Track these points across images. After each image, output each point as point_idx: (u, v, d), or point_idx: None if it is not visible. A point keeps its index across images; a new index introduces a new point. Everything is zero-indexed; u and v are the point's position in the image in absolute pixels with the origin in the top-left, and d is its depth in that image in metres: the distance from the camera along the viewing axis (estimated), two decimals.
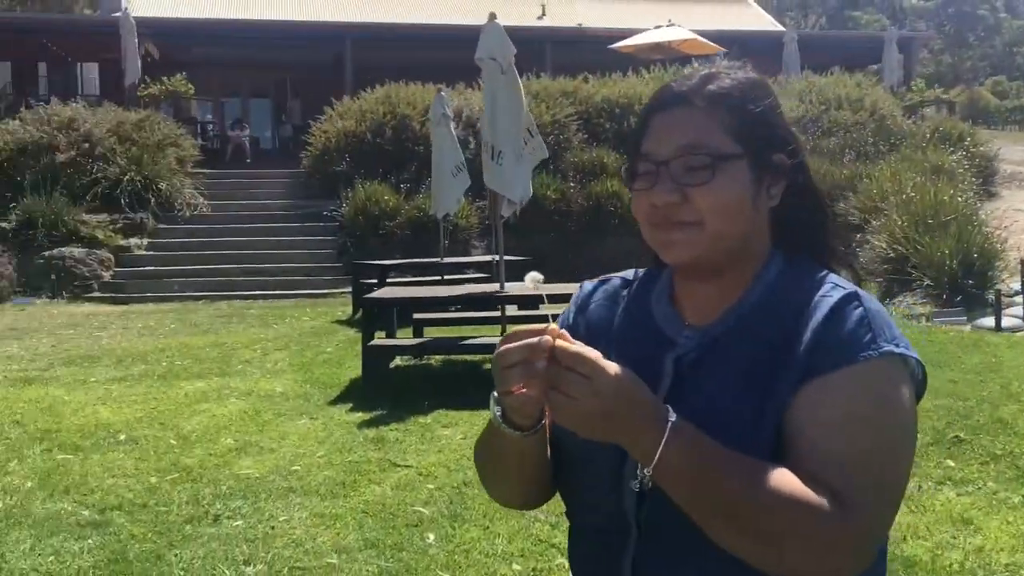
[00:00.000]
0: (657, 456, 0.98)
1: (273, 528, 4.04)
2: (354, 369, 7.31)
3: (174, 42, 21.02)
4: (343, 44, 21.25)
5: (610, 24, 23.27)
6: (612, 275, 1.35)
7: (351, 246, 14.20)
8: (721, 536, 1.00)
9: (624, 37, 20.06)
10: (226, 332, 10.07)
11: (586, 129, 16.50)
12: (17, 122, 15.71)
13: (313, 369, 7.68)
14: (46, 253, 13.72)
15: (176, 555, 3.73)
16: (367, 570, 3.59)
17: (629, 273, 1.32)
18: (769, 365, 1.09)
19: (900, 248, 9.57)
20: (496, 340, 6.79)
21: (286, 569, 3.62)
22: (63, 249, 13.82)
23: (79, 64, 26.21)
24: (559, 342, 0.98)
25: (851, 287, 1.14)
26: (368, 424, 5.77)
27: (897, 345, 1.08)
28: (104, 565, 3.63)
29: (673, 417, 1.00)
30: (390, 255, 13.12)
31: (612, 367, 0.98)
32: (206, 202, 15.80)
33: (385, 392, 6.52)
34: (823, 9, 54.65)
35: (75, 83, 27.35)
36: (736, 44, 21.29)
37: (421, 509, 4.22)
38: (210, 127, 21.65)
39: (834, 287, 1.13)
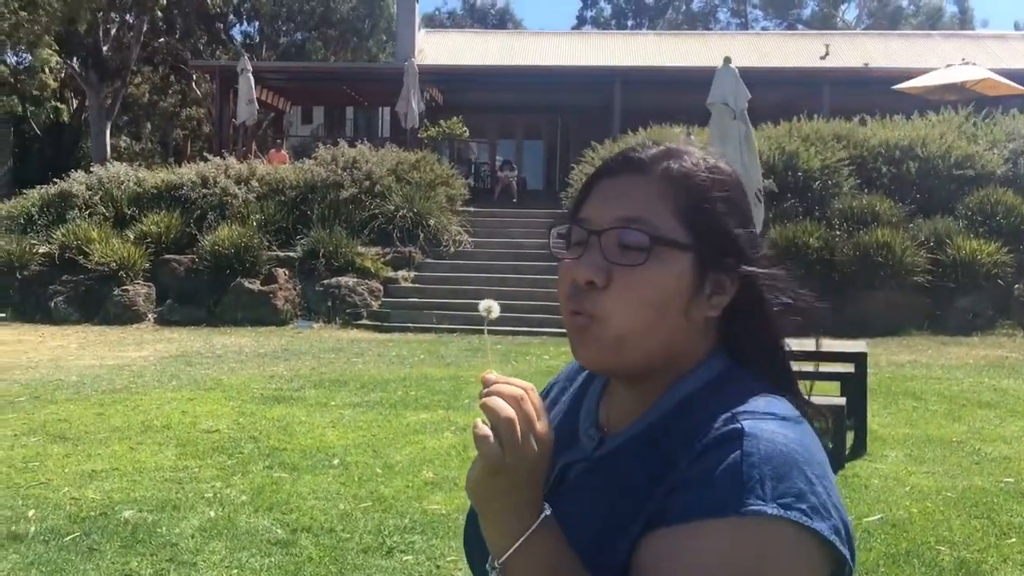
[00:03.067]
0: (513, 548, 0.88)
1: (438, 567, 4.09)
2: None
3: (455, 87, 22.36)
4: (612, 87, 21.58)
5: (898, 63, 21.91)
6: None
7: None
8: None
9: (913, 77, 18.79)
10: (467, 366, 10.44)
11: (859, 174, 15.58)
12: (312, 161, 17.36)
13: None
14: (324, 282, 14.97)
15: None
16: None
17: None
18: (637, 496, 0.92)
19: None
20: None
21: None
22: (339, 278, 15.01)
23: (379, 108, 28.61)
24: (485, 399, 0.92)
25: (756, 421, 0.90)
26: None
27: (787, 507, 0.84)
28: None
29: (548, 511, 0.89)
30: None
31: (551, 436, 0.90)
32: (469, 239, 16.55)
33: None
34: None
35: (376, 126, 29.92)
36: None
37: None
38: (483, 167, 22.75)
39: (736, 416, 0.90)
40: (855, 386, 6.54)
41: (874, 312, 13.33)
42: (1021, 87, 17.96)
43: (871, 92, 19.91)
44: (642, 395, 1.00)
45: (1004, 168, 15.42)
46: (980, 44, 27.73)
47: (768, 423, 0.90)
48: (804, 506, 0.85)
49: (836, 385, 7.18)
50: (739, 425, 0.89)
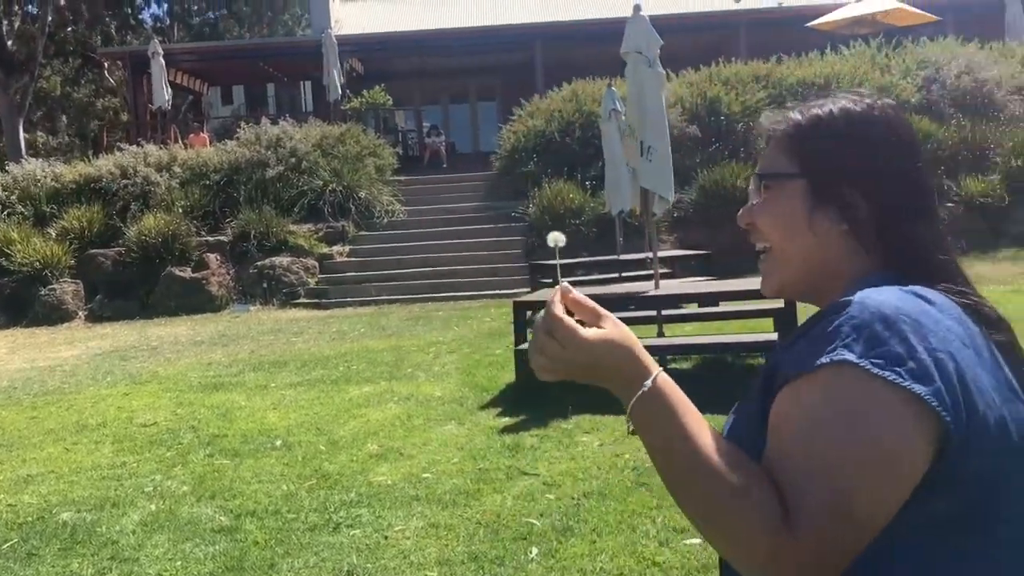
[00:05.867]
0: (628, 412, 1.03)
1: (387, 538, 4.10)
2: (513, 373, 7.33)
3: (376, 56, 22.04)
4: (533, 45, 21.46)
5: (810, 1, 22.11)
6: None
7: (537, 245, 14.32)
8: (681, 507, 1.03)
9: (824, 13, 18.97)
10: (409, 335, 10.42)
11: None
12: (234, 142, 17.01)
13: (476, 372, 7.78)
14: (258, 263, 14.76)
15: (288, 564, 3.86)
16: None
17: None
18: (761, 395, 1.07)
19: None
20: (653, 340, 6.54)
21: None
22: (273, 259, 14.81)
23: (300, 83, 28.06)
24: (554, 300, 1.04)
25: (871, 291, 1.02)
26: (509, 430, 5.76)
27: (881, 367, 0.94)
28: (220, 573, 3.82)
29: (647, 385, 1.02)
30: (576, 253, 13.14)
31: (588, 332, 1.02)
32: (403, 208, 16.43)
33: (534, 397, 6.48)
34: None
35: (299, 101, 29.37)
36: (950, 11, 19.65)
37: (533, 521, 4.15)
38: (410, 135, 22.53)
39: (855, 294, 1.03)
40: (786, 320, 6.66)
41: None
42: (930, 15, 18.28)
43: (786, 31, 20.08)
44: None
45: (918, 96, 15.75)
46: None
47: (883, 294, 1.01)
48: (900, 368, 0.94)
49: (769, 321, 7.32)
50: (850, 297, 1.01)
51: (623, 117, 10.41)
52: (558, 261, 1.25)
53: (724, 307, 8.40)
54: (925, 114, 15.21)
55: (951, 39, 17.61)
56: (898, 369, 0.94)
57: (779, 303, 6.97)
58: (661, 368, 1.03)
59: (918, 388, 0.93)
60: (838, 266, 1.11)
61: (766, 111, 1.23)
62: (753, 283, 7.88)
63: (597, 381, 1.04)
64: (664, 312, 7.42)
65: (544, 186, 15.05)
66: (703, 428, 1.01)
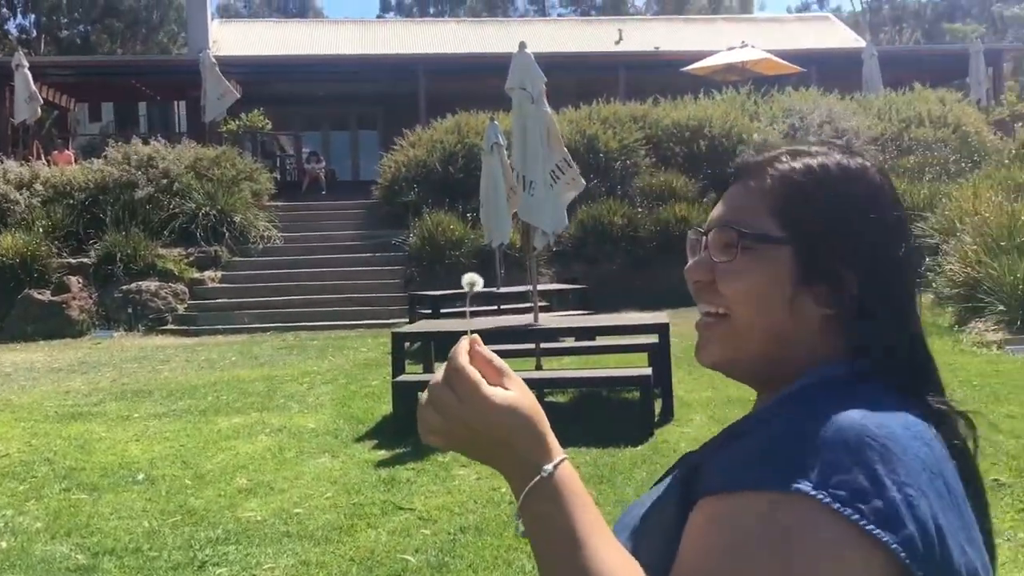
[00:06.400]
0: (518, 504, 0.87)
1: None
2: (390, 404, 7.24)
3: (255, 79, 21.63)
4: (416, 75, 21.51)
5: (686, 47, 22.98)
6: None
7: (417, 276, 14.28)
8: None
9: (700, 59, 19.77)
10: (282, 365, 10.17)
11: (655, 153, 16.27)
12: (101, 161, 16.35)
13: (352, 403, 7.65)
14: (124, 287, 14.16)
15: None
16: None
17: None
18: (698, 476, 0.90)
19: (972, 272, 9.04)
20: (531, 373, 6.57)
21: None
22: (140, 283, 14.23)
23: (174, 102, 27.27)
24: (460, 348, 0.90)
25: (835, 404, 0.83)
26: (385, 463, 5.67)
27: (832, 493, 0.76)
28: None
29: (547, 471, 0.86)
30: (456, 285, 13.07)
31: (493, 391, 0.87)
32: (279, 234, 16.10)
33: (412, 429, 6.39)
34: (917, 23, 52.96)
35: (172, 120, 28.50)
36: (814, 63, 20.76)
37: (408, 557, 4.09)
38: (289, 161, 22.18)
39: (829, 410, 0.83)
40: (660, 355, 6.83)
41: (677, 283, 13.93)
42: (795, 66, 19.28)
43: (662, 74, 20.82)
44: (763, 403, 0.98)
45: (783, 143, 16.50)
46: (758, 27, 29.53)
47: (844, 404, 0.83)
48: (864, 506, 0.76)
49: (644, 356, 7.49)
50: (803, 406, 0.85)
51: (505, 151, 10.54)
52: (468, 307, 1.18)
53: (600, 341, 8.55)
54: None
55: (813, 89, 18.59)
56: (862, 507, 0.76)
57: (652, 338, 7.16)
58: (564, 454, 0.89)
59: (885, 536, 0.75)
60: (799, 351, 0.94)
61: (747, 150, 1.04)
62: (630, 318, 8.07)
63: (487, 456, 0.89)
64: (543, 345, 7.48)
65: (425, 216, 15.03)
66: (600, 535, 0.85)
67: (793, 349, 0.93)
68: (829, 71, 20.75)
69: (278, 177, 19.24)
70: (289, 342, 12.30)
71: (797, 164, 0.97)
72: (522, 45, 6.99)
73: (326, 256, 15.55)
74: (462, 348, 0.91)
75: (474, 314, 10.54)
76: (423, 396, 0.91)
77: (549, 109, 6.99)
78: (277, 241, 15.96)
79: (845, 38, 27.49)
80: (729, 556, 0.78)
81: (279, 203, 17.17)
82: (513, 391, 0.89)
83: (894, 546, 0.75)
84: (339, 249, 15.78)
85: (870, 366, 0.91)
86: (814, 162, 0.96)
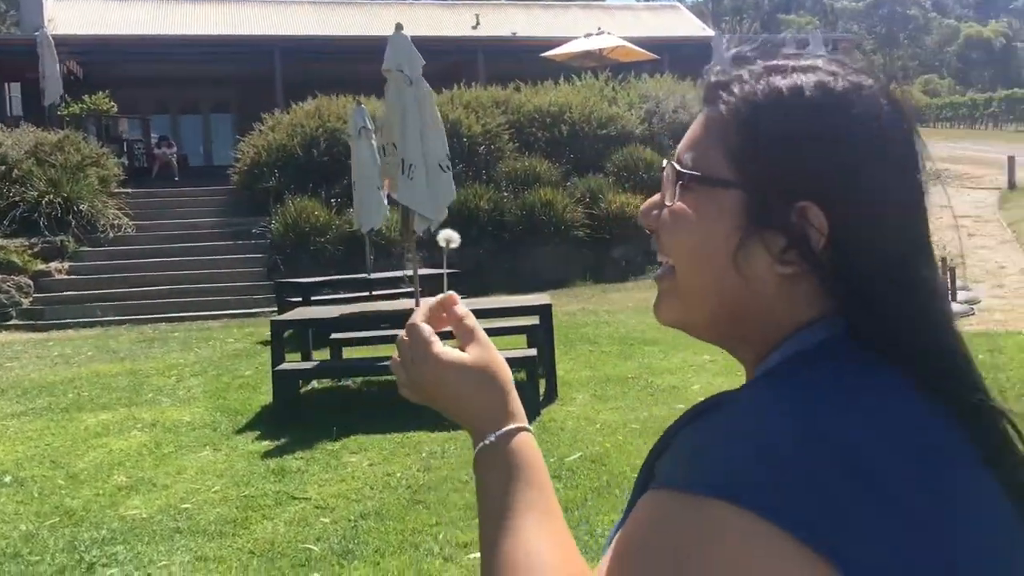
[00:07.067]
0: (476, 451, 0.85)
1: (149, 575, 3.80)
2: (269, 394, 7.06)
3: (98, 60, 20.54)
4: (272, 57, 20.92)
5: (543, 33, 23.26)
6: None
7: (281, 264, 13.93)
8: None
9: (557, 45, 20.05)
10: (144, 358, 9.74)
11: (519, 138, 16.40)
12: None
13: (227, 395, 7.42)
14: None
15: None
16: None
17: None
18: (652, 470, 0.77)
19: None
20: None
21: None
22: None
23: (6, 84, 25.51)
24: (423, 306, 0.90)
25: (757, 398, 0.72)
26: (272, 454, 5.54)
27: (759, 502, 0.63)
28: None
29: (489, 440, 0.83)
30: (323, 272, 12.91)
31: (442, 351, 0.85)
32: (131, 222, 15.38)
33: (296, 418, 6.29)
34: (757, 14, 55.41)
35: (5, 104, 26.65)
36: (666, 50, 21.40)
37: (311, 546, 4.02)
38: (137, 145, 21.16)
39: (759, 392, 0.73)
40: (542, 336, 6.92)
41: (543, 266, 14.23)
42: (650, 53, 19.84)
43: (521, 60, 21.00)
44: (748, 372, 0.83)
45: (641, 128, 16.98)
46: (611, 14, 30.18)
47: (803, 392, 0.70)
48: (802, 518, 0.63)
49: (523, 339, 7.57)
50: (754, 391, 0.73)
51: (374, 135, 10.39)
52: (445, 268, 1.08)
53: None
54: (648, 144, 16.42)
55: (668, 76, 19.16)
56: (802, 519, 0.63)
57: (530, 320, 7.24)
58: (520, 424, 0.84)
59: (824, 552, 0.62)
60: (771, 315, 0.77)
61: (719, 64, 0.84)
62: (513, 300, 8.14)
63: (452, 414, 0.87)
64: None
65: (287, 202, 14.66)
66: (535, 514, 0.79)
67: (755, 314, 0.77)
68: (680, 58, 21.38)
69: (126, 163, 18.31)
70: (148, 335, 11.78)
71: (762, 85, 0.78)
72: (399, 27, 6.92)
73: (183, 245, 14.95)
74: (424, 306, 0.90)
75: (345, 300, 10.38)
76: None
77: (429, 88, 6.94)
78: (129, 230, 15.23)
79: (693, 26, 28.44)
80: (629, 564, 0.68)
81: (129, 190, 16.37)
82: (470, 354, 0.87)
83: (839, 565, 0.62)
84: (197, 237, 15.20)
85: (848, 334, 0.74)
86: (784, 83, 0.77)
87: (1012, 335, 7.96)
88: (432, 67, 7.22)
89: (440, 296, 0.90)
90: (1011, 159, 19.54)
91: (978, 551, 0.68)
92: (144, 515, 4.54)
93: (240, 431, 6.20)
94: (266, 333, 10.88)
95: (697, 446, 0.69)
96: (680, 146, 0.82)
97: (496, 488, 0.81)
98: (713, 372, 6.93)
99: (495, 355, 0.87)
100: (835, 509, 0.63)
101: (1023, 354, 7.08)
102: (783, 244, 0.74)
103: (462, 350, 0.87)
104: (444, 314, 0.90)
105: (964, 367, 0.76)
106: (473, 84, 18.17)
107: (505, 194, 15.21)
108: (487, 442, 0.83)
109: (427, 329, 0.87)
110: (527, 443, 0.83)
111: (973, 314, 9.28)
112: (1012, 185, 18.79)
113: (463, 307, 0.91)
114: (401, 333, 0.89)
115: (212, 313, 13.20)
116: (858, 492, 0.64)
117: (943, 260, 9.66)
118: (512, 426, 0.84)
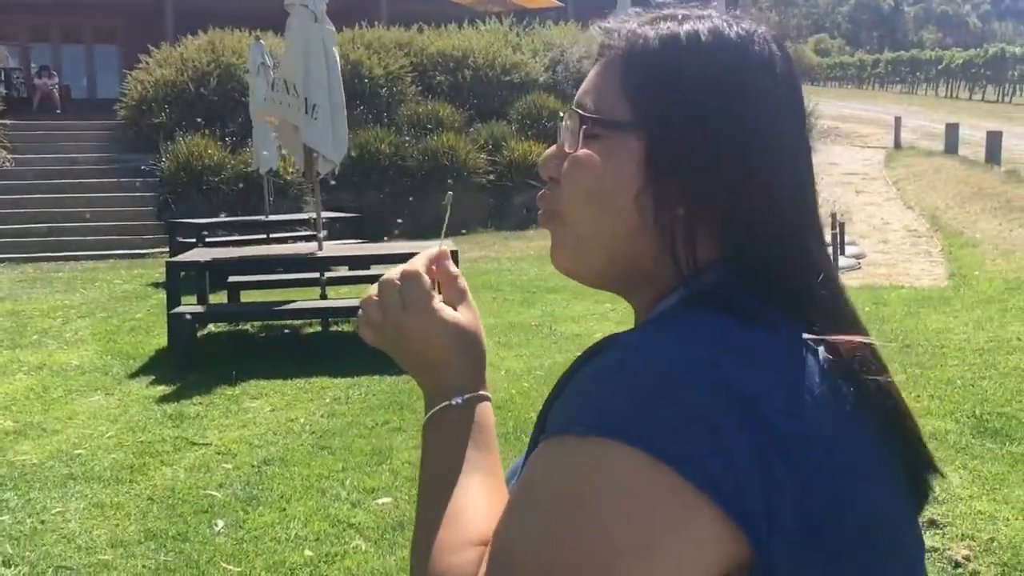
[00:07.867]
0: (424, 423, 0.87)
1: (44, 522, 3.67)
2: (163, 337, 6.85)
3: None
4: None
5: None
6: None
7: (172, 203, 13.44)
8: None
9: None
10: (26, 299, 9.30)
11: (421, 82, 16.15)
12: None
13: (117, 338, 7.16)
14: None
15: None
16: (144, 566, 3.30)
17: None
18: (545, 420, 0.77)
19: None
20: (317, 303, 6.45)
21: (51, 569, 3.28)
22: None
23: None
24: (421, 257, 0.89)
25: (644, 338, 0.72)
26: (168, 399, 5.38)
27: (643, 440, 0.64)
28: None
29: (455, 401, 0.85)
30: (215, 212, 12.55)
31: (440, 306, 0.86)
32: (9, 156, 14.58)
33: (192, 362, 6.12)
34: None
35: None
36: None
37: (214, 493, 3.94)
38: (15, 75, 19.98)
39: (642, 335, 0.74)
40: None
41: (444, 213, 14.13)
42: (554, 0, 19.73)
43: (425, 2, 20.58)
44: (637, 319, 0.85)
45: (546, 76, 16.92)
46: None
47: (687, 331, 0.71)
48: (687, 454, 0.63)
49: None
50: (621, 342, 0.72)
51: (272, 72, 10.05)
52: (446, 224, 1.06)
53: (375, 270, 8.48)
54: (551, 92, 16.39)
55: (572, 24, 19.11)
56: (683, 453, 0.64)
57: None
58: (485, 392, 0.87)
59: (707, 488, 0.63)
60: (666, 259, 0.77)
61: (619, 16, 0.85)
62: (408, 247, 8.07)
63: (410, 365, 0.88)
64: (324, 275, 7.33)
65: (179, 140, 14.11)
66: (479, 475, 0.82)
67: (653, 256, 0.78)
68: (585, 6, 21.32)
69: (4, 92, 17.30)
70: (30, 274, 11.25)
71: (658, 31, 0.79)
72: None
73: (67, 181, 14.26)
74: (424, 256, 0.89)
75: (240, 243, 10.11)
76: (372, 289, 0.89)
77: (332, 27, 6.74)
78: (8, 164, 14.44)
79: None
80: (520, 511, 0.70)
81: (7, 121, 15.48)
82: (462, 315, 0.88)
83: (720, 504, 0.63)
84: (82, 174, 14.52)
85: (746, 271, 0.75)
86: (680, 28, 0.79)
87: (895, 288, 8.32)
88: (333, 3, 7.00)
89: (436, 249, 0.90)
90: (898, 119, 20.32)
91: (861, 498, 0.70)
92: (35, 460, 4.37)
93: (133, 375, 6.01)
94: (156, 275, 10.58)
95: (582, 389, 0.70)
96: (579, 93, 0.83)
97: (449, 447, 0.84)
98: (615, 321, 7.03)
99: (479, 320, 0.89)
100: (716, 443, 0.64)
101: (906, 307, 7.41)
102: (678, 185, 0.76)
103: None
104: (434, 267, 0.89)
105: (844, 307, 0.79)
106: (376, 24, 17.75)
107: (407, 138, 14.99)
108: (453, 403, 0.85)
109: (428, 281, 0.87)
110: (488, 410, 0.87)
111: (859, 268, 9.66)
112: (898, 144, 19.56)
113: (454, 267, 0.91)
114: (389, 274, 0.88)
115: (98, 253, 12.68)
116: (741, 427, 0.64)
117: (832, 215, 10.01)
118: (481, 392, 0.87)
